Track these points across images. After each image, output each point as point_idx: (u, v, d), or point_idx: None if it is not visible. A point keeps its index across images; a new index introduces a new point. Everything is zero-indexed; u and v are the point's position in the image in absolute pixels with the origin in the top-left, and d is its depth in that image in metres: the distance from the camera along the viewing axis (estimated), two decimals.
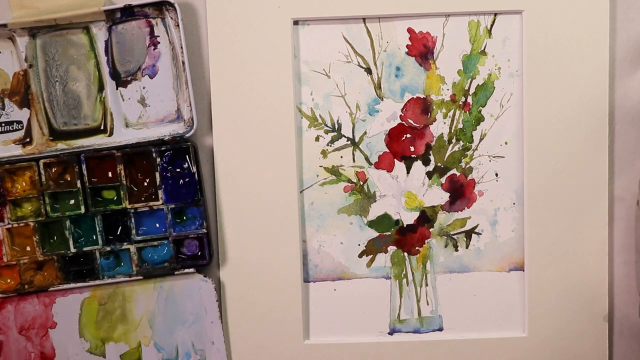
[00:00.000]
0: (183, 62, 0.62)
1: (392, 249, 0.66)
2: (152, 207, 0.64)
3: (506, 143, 0.65)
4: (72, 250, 0.64)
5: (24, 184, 0.64)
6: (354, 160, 0.66)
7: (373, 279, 0.67)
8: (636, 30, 0.64)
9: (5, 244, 0.64)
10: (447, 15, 0.63)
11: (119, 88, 0.64)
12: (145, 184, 0.65)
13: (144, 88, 0.64)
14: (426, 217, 0.66)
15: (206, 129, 0.65)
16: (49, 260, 0.64)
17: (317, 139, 0.65)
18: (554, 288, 0.65)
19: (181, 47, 0.61)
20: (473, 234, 0.66)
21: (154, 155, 0.63)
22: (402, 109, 0.65)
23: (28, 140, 0.64)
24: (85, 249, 0.64)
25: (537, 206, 0.64)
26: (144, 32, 0.63)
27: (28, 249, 0.65)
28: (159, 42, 0.63)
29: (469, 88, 0.64)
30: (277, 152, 0.64)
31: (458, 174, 0.66)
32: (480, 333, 0.67)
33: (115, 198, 0.65)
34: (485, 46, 0.64)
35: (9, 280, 0.65)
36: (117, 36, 0.63)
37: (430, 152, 0.65)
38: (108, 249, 0.65)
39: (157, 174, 0.64)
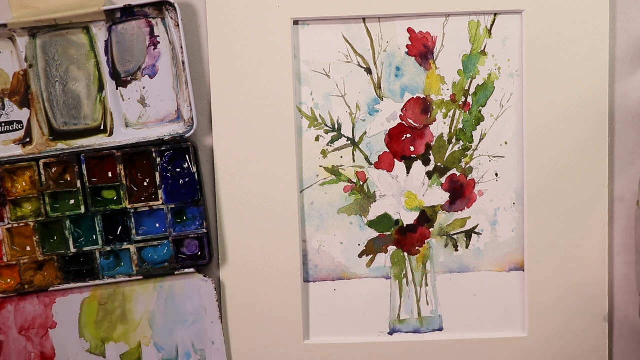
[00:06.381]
0: (183, 62, 0.62)
1: (392, 249, 0.66)
2: (152, 207, 0.64)
3: (506, 143, 0.65)
4: (72, 250, 0.64)
5: (24, 184, 0.64)
6: (354, 160, 0.66)
7: (373, 279, 0.67)
8: (636, 30, 0.64)
9: (5, 244, 0.64)
10: (447, 15, 0.63)
11: (119, 88, 0.64)
12: (145, 184, 0.65)
13: (144, 88, 0.64)
14: (426, 217, 0.66)
15: (206, 129, 0.65)
16: (49, 260, 0.64)
17: (317, 139, 0.65)
18: (554, 288, 0.65)
19: (181, 47, 0.61)
20: (473, 234, 0.66)
21: (154, 155, 0.63)
22: (402, 109, 0.65)
23: (28, 140, 0.64)
24: (85, 249, 0.64)
25: (537, 206, 0.64)
26: (144, 32, 0.63)
27: (28, 249, 0.65)
28: (159, 42, 0.63)
29: (469, 88, 0.64)
30: (277, 152, 0.64)
31: (458, 174, 0.65)
32: (480, 333, 0.67)
33: (115, 198, 0.65)
34: (485, 46, 0.64)
35: (9, 280, 0.65)
36: (117, 36, 0.63)
37: (430, 152, 0.65)
38: (108, 249, 0.65)
39: (157, 174, 0.64)
